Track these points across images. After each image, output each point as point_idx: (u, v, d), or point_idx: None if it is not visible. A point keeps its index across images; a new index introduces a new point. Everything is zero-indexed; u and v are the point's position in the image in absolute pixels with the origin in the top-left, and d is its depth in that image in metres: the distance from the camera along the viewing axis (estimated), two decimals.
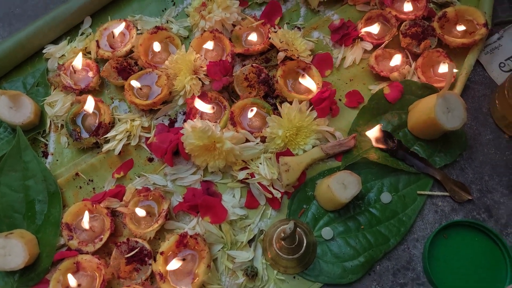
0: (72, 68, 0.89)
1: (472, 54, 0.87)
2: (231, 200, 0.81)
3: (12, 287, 0.77)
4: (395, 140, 0.82)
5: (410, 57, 0.87)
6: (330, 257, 0.77)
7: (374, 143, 0.81)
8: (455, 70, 0.83)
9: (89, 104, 0.84)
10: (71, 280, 0.73)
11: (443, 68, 0.83)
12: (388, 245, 0.77)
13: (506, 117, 0.81)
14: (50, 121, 0.89)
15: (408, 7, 0.90)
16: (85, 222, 0.78)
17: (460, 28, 0.87)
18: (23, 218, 0.81)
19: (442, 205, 0.80)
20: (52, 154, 0.87)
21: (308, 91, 0.85)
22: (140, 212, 0.77)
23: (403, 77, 0.86)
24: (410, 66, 0.86)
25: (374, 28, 0.88)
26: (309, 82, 0.84)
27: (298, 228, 0.75)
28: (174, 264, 0.73)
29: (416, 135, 0.83)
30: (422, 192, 0.80)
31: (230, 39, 0.91)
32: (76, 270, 0.76)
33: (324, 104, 0.83)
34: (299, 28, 0.94)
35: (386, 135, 0.82)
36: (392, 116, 0.85)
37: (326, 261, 0.76)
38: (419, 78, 0.86)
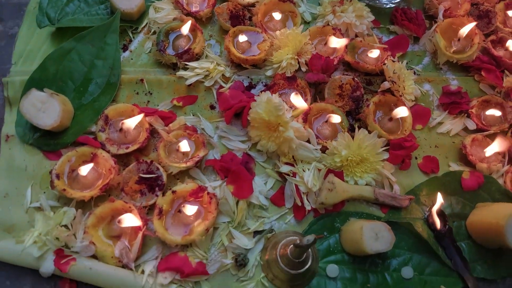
0: None
1: None
2: (261, 186, 0.76)
3: (27, 141, 0.76)
4: (447, 225, 0.75)
5: (507, 158, 0.80)
6: None
7: (433, 214, 0.74)
8: None
9: (186, 26, 0.83)
10: (84, 169, 0.71)
11: None
12: None
13: None
14: (147, 23, 0.88)
15: None
16: (128, 124, 0.75)
17: None
18: (74, 90, 0.80)
19: None
20: (131, 52, 0.86)
21: (392, 132, 0.80)
22: (184, 145, 0.74)
23: (489, 173, 0.79)
24: (503, 166, 0.79)
25: (491, 112, 0.82)
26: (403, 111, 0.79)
27: (309, 248, 0.69)
28: (192, 208, 0.69)
29: (471, 233, 0.75)
30: None
31: (346, 46, 0.87)
32: (90, 160, 0.74)
33: (400, 152, 0.78)
34: (414, 72, 0.89)
35: (441, 215, 0.75)
36: (456, 202, 0.78)
37: None
38: (505, 183, 0.78)
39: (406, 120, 0.81)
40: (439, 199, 0.75)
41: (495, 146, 0.79)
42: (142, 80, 0.82)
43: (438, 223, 0.74)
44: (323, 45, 0.87)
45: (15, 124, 0.78)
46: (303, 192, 0.75)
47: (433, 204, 0.76)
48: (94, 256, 0.68)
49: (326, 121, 0.79)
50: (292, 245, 0.65)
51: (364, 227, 0.69)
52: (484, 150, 0.80)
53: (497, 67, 0.88)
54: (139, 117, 0.75)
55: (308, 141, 0.77)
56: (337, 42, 0.84)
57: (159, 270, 0.68)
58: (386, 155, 0.77)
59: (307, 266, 0.68)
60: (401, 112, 0.78)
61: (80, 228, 0.68)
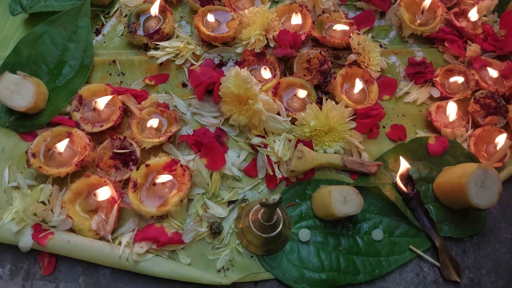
0: None
1: None
2: (234, 158, 0.78)
3: (3, 124, 0.78)
4: (415, 188, 0.78)
5: (470, 123, 0.83)
6: (294, 258, 0.73)
7: (398, 179, 0.77)
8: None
9: (155, 6, 0.85)
10: (61, 145, 0.73)
11: (499, 142, 0.78)
12: (355, 278, 0.72)
13: None
14: (119, 7, 0.90)
15: (494, 77, 0.87)
16: (99, 103, 0.77)
17: None
18: (47, 73, 0.82)
19: (427, 271, 0.74)
20: (104, 35, 0.88)
21: (359, 102, 0.83)
22: (154, 121, 0.76)
23: (453, 137, 0.82)
24: (466, 131, 0.82)
25: (454, 80, 0.85)
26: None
27: (280, 212, 0.72)
28: (164, 177, 0.72)
29: (438, 195, 0.78)
30: (414, 249, 0.75)
31: (313, 22, 0.90)
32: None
33: (367, 121, 0.80)
34: (381, 45, 0.92)
35: (409, 180, 0.78)
36: (423, 167, 0.81)
37: (289, 260, 0.72)
38: (469, 146, 0.81)
39: (372, 90, 0.83)
40: (403, 163, 0.78)
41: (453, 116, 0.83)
42: (114, 61, 0.85)
43: (403, 186, 0.77)
44: (291, 22, 0.89)
45: None
46: (274, 162, 0.77)
47: None
48: (71, 230, 0.70)
49: (295, 95, 0.82)
50: (262, 209, 0.67)
51: (332, 191, 0.71)
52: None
53: (459, 38, 0.91)
54: (109, 97, 0.78)
55: (278, 114, 0.80)
56: (296, 20, 0.88)
57: (136, 241, 0.70)
58: (353, 124, 0.80)
59: (278, 230, 0.70)
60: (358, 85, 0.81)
61: (57, 203, 0.70)
